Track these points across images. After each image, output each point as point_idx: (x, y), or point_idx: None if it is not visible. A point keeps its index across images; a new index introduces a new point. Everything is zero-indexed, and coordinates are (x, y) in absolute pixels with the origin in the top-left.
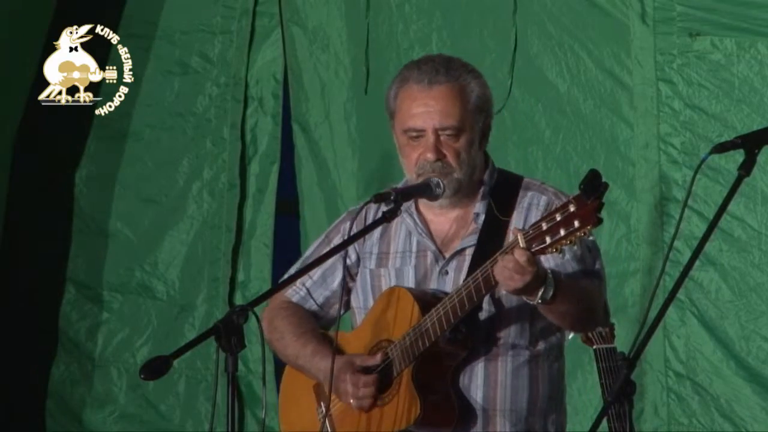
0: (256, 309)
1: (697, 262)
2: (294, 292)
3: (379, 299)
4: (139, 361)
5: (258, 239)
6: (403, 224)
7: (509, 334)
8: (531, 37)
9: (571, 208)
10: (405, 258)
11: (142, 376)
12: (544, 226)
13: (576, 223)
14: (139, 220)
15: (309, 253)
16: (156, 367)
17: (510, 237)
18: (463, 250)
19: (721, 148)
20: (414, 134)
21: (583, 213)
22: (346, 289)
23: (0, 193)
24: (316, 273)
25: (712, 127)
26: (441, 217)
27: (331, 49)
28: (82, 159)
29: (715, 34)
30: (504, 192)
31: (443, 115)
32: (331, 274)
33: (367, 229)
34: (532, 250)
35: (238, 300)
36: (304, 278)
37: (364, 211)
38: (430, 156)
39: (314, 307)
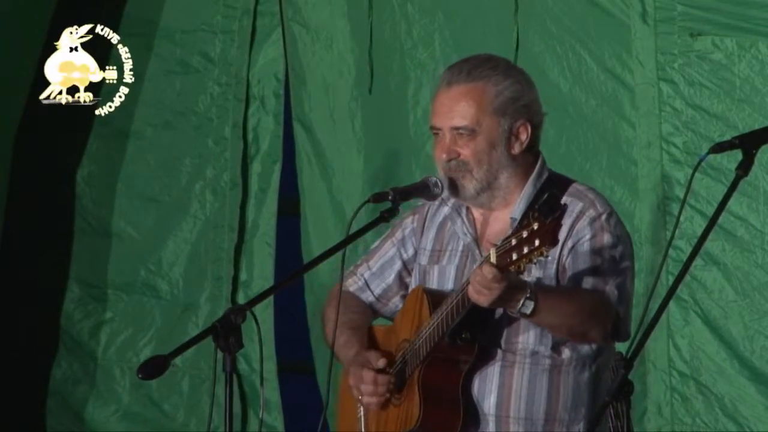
0: (258, 309)
1: (701, 262)
2: (353, 282)
3: (408, 297)
4: (143, 360)
5: (260, 238)
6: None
7: (528, 340)
8: (533, 37)
9: (535, 226)
10: (451, 256)
11: (139, 376)
12: (513, 242)
13: (536, 242)
14: (142, 219)
15: (375, 246)
16: (154, 367)
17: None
18: None
19: (719, 148)
20: (435, 132)
21: (542, 232)
22: (403, 284)
23: (0, 193)
24: (376, 264)
25: (714, 126)
26: (485, 217)
27: (334, 49)
28: (83, 158)
29: (716, 33)
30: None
31: (458, 115)
32: (389, 267)
33: (364, 229)
34: (501, 265)
35: (241, 299)
36: (363, 269)
37: (427, 207)
38: (444, 156)
39: (371, 299)
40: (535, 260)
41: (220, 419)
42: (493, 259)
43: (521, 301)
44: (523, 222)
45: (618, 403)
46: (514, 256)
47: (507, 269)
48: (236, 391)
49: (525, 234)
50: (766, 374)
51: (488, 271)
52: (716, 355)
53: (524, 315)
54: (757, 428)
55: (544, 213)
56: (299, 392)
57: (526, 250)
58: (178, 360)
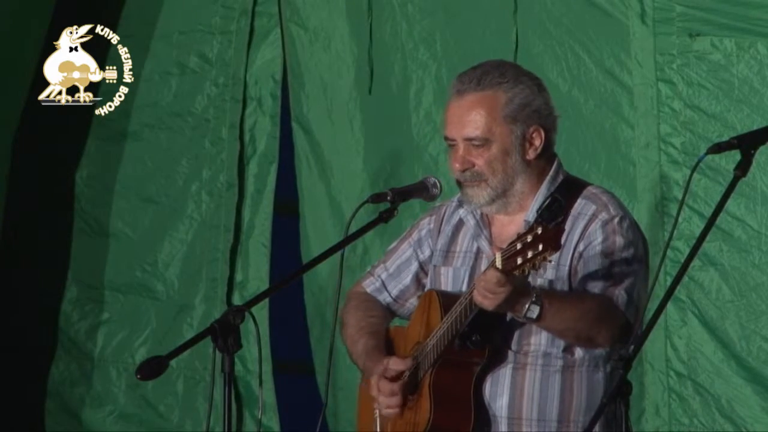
0: (253, 310)
1: (698, 263)
2: (370, 283)
3: (420, 300)
4: (138, 360)
5: (256, 239)
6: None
7: (540, 341)
8: (532, 38)
9: (539, 231)
10: (465, 258)
11: (138, 377)
12: (519, 246)
13: (540, 247)
14: (139, 220)
15: (392, 246)
16: (152, 368)
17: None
18: None
19: (717, 148)
20: (450, 143)
21: (545, 237)
22: (420, 285)
23: None
24: (393, 265)
25: (713, 127)
26: (500, 221)
27: (332, 49)
28: (82, 159)
29: (715, 34)
30: (562, 199)
31: (470, 125)
32: (406, 268)
33: (362, 230)
34: (506, 269)
35: (236, 300)
36: (380, 269)
37: (444, 208)
38: (458, 166)
39: (388, 299)
40: (538, 265)
41: (215, 420)
42: (498, 264)
43: (527, 306)
44: (530, 226)
45: (616, 403)
46: (519, 261)
47: (512, 273)
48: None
49: (529, 238)
50: (762, 375)
51: (492, 276)
52: (713, 355)
53: (530, 319)
54: (754, 428)
55: (547, 218)
56: (298, 392)
57: (530, 254)
58: (173, 361)
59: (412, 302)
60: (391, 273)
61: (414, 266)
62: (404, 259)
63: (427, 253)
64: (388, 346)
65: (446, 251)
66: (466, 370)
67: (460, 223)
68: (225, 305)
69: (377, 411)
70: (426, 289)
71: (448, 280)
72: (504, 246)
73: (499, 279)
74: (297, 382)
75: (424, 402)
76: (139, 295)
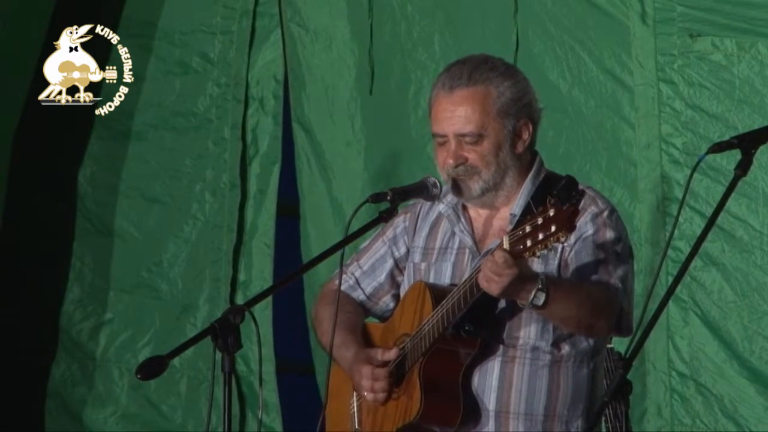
0: (256, 310)
1: (700, 263)
2: (343, 281)
3: (407, 293)
4: (141, 361)
5: (259, 239)
6: (449, 221)
7: (529, 335)
8: (532, 38)
9: (551, 213)
10: (446, 254)
11: (138, 376)
12: (528, 229)
13: (552, 228)
14: (144, 220)
15: (365, 244)
16: (152, 368)
17: None
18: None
19: (718, 148)
20: (440, 139)
21: (559, 218)
22: (394, 282)
23: None
24: (367, 263)
25: (714, 127)
26: (483, 215)
27: (333, 50)
28: (84, 159)
29: (716, 34)
30: (545, 194)
31: (463, 121)
32: (380, 265)
33: (362, 229)
34: (514, 252)
35: (240, 300)
36: (354, 267)
37: (419, 205)
38: (450, 161)
39: (362, 297)
40: (550, 246)
41: (218, 420)
42: (506, 245)
43: (533, 293)
44: (537, 209)
45: (616, 403)
46: (528, 243)
47: (520, 256)
48: (234, 392)
49: (540, 221)
50: (765, 375)
51: (500, 256)
52: (716, 355)
53: (536, 307)
54: (757, 429)
55: (562, 199)
56: (299, 392)
57: (541, 236)
58: (176, 361)
59: (386, 300)
60: (365, 271)
61: (389, 264)
62: (378, 256)
63: (403, 250)
64: (368, 342)
65: (425, 248)
66: (456, 361)
67: (438, 219)
68: (228, 305)
69: (353, 406)
70: (402, 286)
71: (430, 276)
72: (489, 240)
73: (506, 260)
74: (297, 382)
75: (414, 391)
76: (142, 295)
